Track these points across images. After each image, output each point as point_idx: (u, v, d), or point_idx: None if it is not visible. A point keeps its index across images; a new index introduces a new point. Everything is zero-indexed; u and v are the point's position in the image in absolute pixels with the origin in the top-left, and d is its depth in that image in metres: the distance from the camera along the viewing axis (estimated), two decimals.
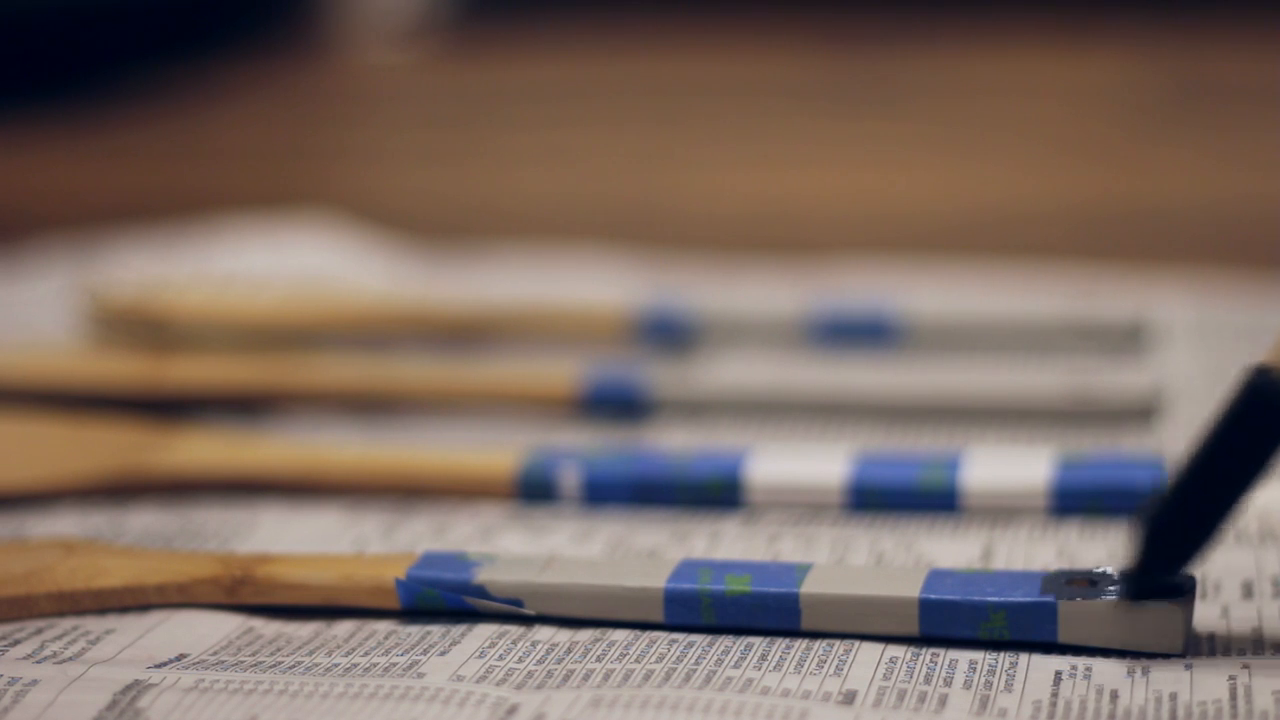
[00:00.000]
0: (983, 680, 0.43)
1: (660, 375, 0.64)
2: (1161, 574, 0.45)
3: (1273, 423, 0.43)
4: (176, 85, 1.33)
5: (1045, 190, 1.00)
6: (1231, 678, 0.42)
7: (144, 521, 0.55)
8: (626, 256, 0.81)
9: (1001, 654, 0.44)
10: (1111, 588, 0.44)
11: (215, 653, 0.45)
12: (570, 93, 1.31)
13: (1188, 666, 0.43)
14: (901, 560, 0.50)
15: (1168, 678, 0.43)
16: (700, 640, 0.45)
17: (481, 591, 0.47)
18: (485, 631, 0.46)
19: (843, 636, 0.45)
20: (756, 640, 0.45)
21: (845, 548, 0.51)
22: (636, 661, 0.44)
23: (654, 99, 1.29)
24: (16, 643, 0.46)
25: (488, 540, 0.52)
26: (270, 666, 0.44)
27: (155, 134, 1.21)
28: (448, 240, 0.85)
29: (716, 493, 0.54)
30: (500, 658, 0.45)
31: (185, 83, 1.34)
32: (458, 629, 0.46)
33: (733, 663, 0.44)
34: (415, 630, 0.46)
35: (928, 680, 0.43)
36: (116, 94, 1.28)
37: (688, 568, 0.47)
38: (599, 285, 0.76)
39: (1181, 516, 0.44)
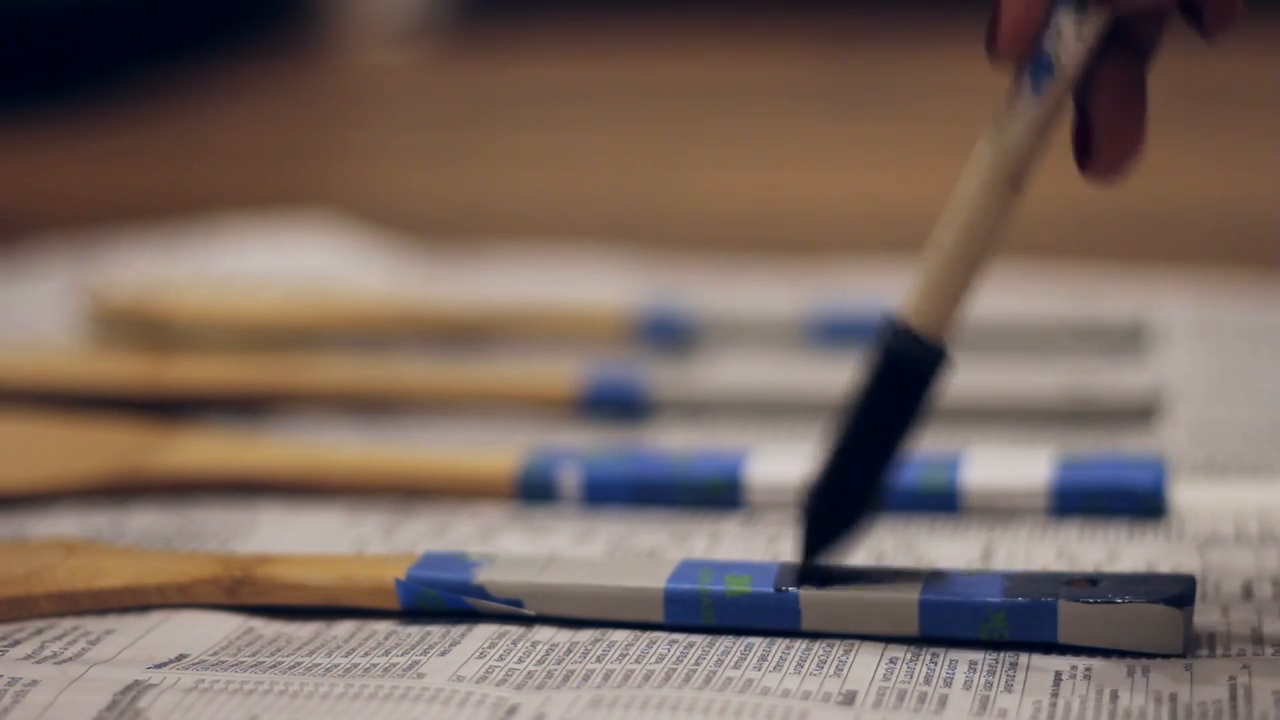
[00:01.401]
0: (983, 680, 0.43)
1: (660, 375, 0.64)
2: (826, 552, 0.45)
3: (914, 381, 0.44)
4: (176, 85, 1.33)
5: (1045, 190, 0.99)
6: (1231, 678, 0.42)
7: (144, 522, 0.55)
8: (626, 256, 0.81)
9: (1001, 654, 0.44)
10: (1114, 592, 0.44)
11: (215, 653, 0.45)
12: (570, 93, 1.31)
13: (1188, 666, 0.43)
14: (901, 560, 0.50)
15: (1168, 678, 0.43)
16: (700, 640, 0.45)
17: (481, 592, 0.47)
18: (485, 632, 0.46)
19: (843, 637, 0.45)
20: (756, 640, 0.45)
21: (856, 545, 0.51)
22: (636, 662, 0.44)
23: (654, 99, 1.29)
24: (16, 643, 0.46)
25: (488, 540, 0.52)
26: (270, 667, 0.44)
27: (155, 134, 1.21)
28: (448, 240, 0.85)
29: (716, 493, 0.54)
30: (500, 658, 0.45)
31: (185, 83, 1.34)
32: (458, 629, 0.46)
33: (733, 663, 0.44)
34: (415, 630, 0.46)
35: (928, 680, 0.43)
36: (116, 94, 1.28)
37: (688, 568, 0.47)
38: (599, 285, 0.76)
39: (839, 492, 0.44)
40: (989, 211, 0.43)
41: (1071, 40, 0.42)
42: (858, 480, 0.44)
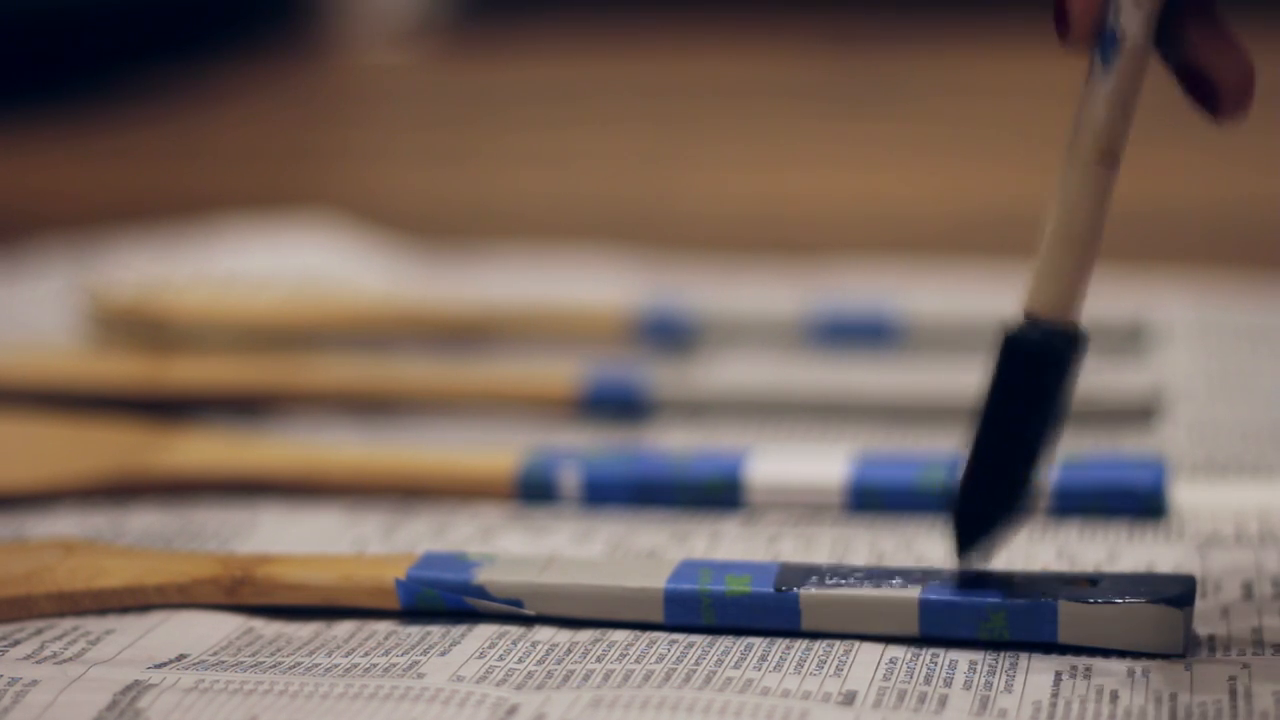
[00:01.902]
0: (983, 680, 0.43)
1: (660, 375, 0.64)
2: (980, 540, 0.45)
3: (1051, 367, 0.43)
4: (176, 85, 1.33)
5: (1045, 190, 0.99)
6: (1231, 678, 0.42)
7: (144, 522, 0.55)
8: (626, 256, 0.81)
9: (1001, 654, 0.44)
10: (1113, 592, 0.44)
11: (215, 653, 0.45)
12: (570, 93, 1.31)
13: (1188, 666, 0.43)
14: (901, 560, 0.50)
15: (1168, 678, 0.43)
16: (700, 640, 0.45)
17: (481, 592, 0.47)
18: (485, 632, 0.46)
19: (843, 637, 0.45)
20: (756, 640, 0.45)
21: (845, 548, 0.51)
22: (636, 662, 0.44)
23: (654, 99, 1.29)
24: (16, 643, 0.46)
25: (488, 540, 0.52)
26: (270, 667, 0.44)
27: (155, 134, 1.21)
28: (448, 240, 0.85)
29: (716, 493, 0.54)
30: (500, 658, 0.45)
31: (185, 83, 1.34)
32: (458, 629, 0.46)
33: (733, 663, 0.44)
34: (415, 630, 0.46)
35: (928, 680, 0.43)
36: (116, 94, 1.28)
37: (688, 568, 0.47)
38: (599, 285, 0.76)
39: (989, 490, 0.44)
40: (1088, 193, 0.43)
41: (1131, 10, 0.42)
42: (1008, 476, 0.44)
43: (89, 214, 0.95)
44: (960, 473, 0.45)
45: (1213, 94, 0.44)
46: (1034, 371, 0.44)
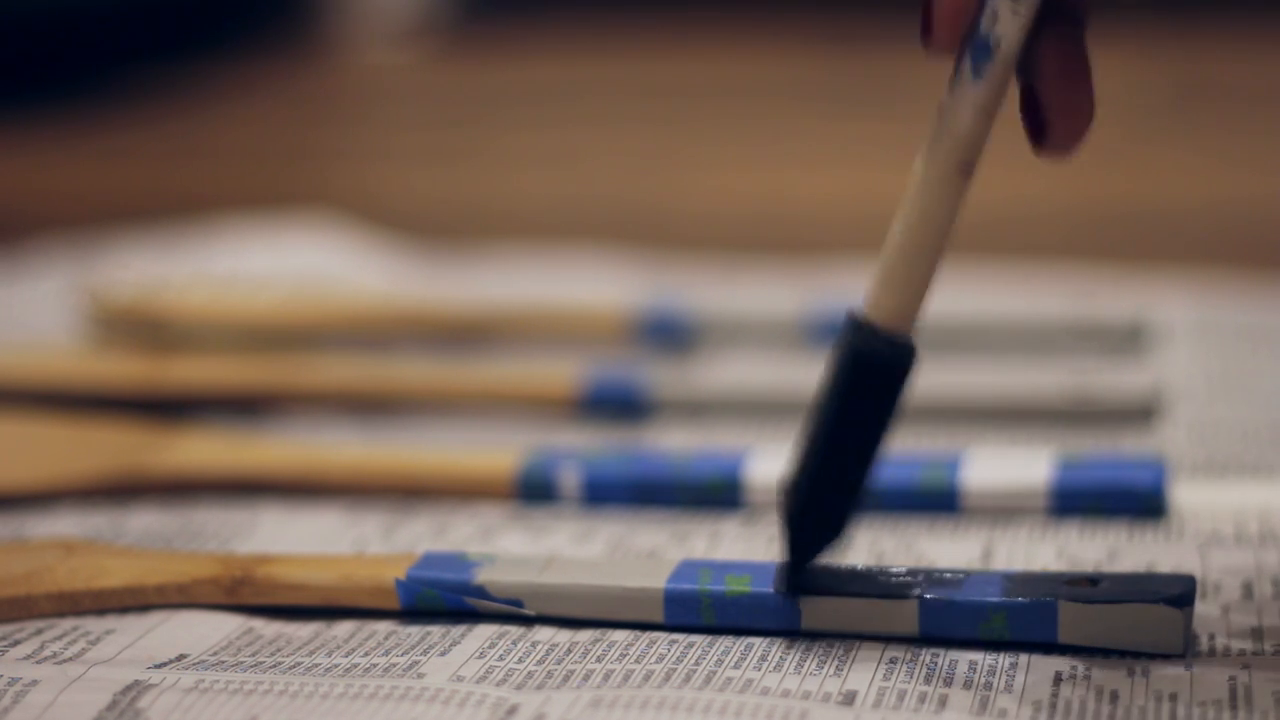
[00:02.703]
0: (983, 680, 0.43)
1: (660, 375, 0.64)
2: (813, 556, 0.45)
3: (883, 379, 0.43)
4: (176, 85, 1.33)
5: (1045, 190, 0.99)
6: (1231, 678, 0.42)
7: (144, 522, 0.55)
8: (626, 256, 0.81)
9: (1001, 654, 0.44)
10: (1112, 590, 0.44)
11: (215, 653, 0.45)
12: (570, 93, 1.31)
13: (1188, 666, 0.43)
14: (901, 560, 0.50)
15: (1168, 678, 0.43)
16: (700, 640, 0.45)
17: (481, 592, 0.47)
18: (485, 632, 0.46)
19: (843, 636, 0.45)
20: (756, 640, 0.45)
21: (845, 548, 0.51)
22: (636, 662, 0.44)
23: (654, 99, 1.29)
24: (16, 643, 0.46)
25: (488, 540, 0.52)
26: (270, 667, 0.44)
27: (155, 134, 1.21)
28: (448, 240, 0.85)
29: (716, 493, 0.54)
30: (500, 658, 0.45)
31: (185, 83, 1.34)
32: (458, 629, 0.46)
33: (733, 663, 0.44)
34: (415, 630, 0.46)
35: (928, 680, 0.43)
36: (116, 94, 1.28)
37: (688, 568, 0.47)
38: (599, 285, 0.76)
39: (819, 497, 0.44)
40: (942, 201, 0.42)
41: (1008, 18, 0.41)
42: (837, 484, 0.44)
43: (89, 214, 0.95)
44: (790, 477, 0.44)
45: (1043, 127, 0.42)
46: (869, 381, 0.43)
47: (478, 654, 0.45)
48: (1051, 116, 0.42)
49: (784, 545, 0.45)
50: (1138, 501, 0.52)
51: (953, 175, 0.42)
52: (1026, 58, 0.42)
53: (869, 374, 0.43)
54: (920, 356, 0.43)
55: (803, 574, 0.45)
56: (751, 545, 0.51)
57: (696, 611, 0.46)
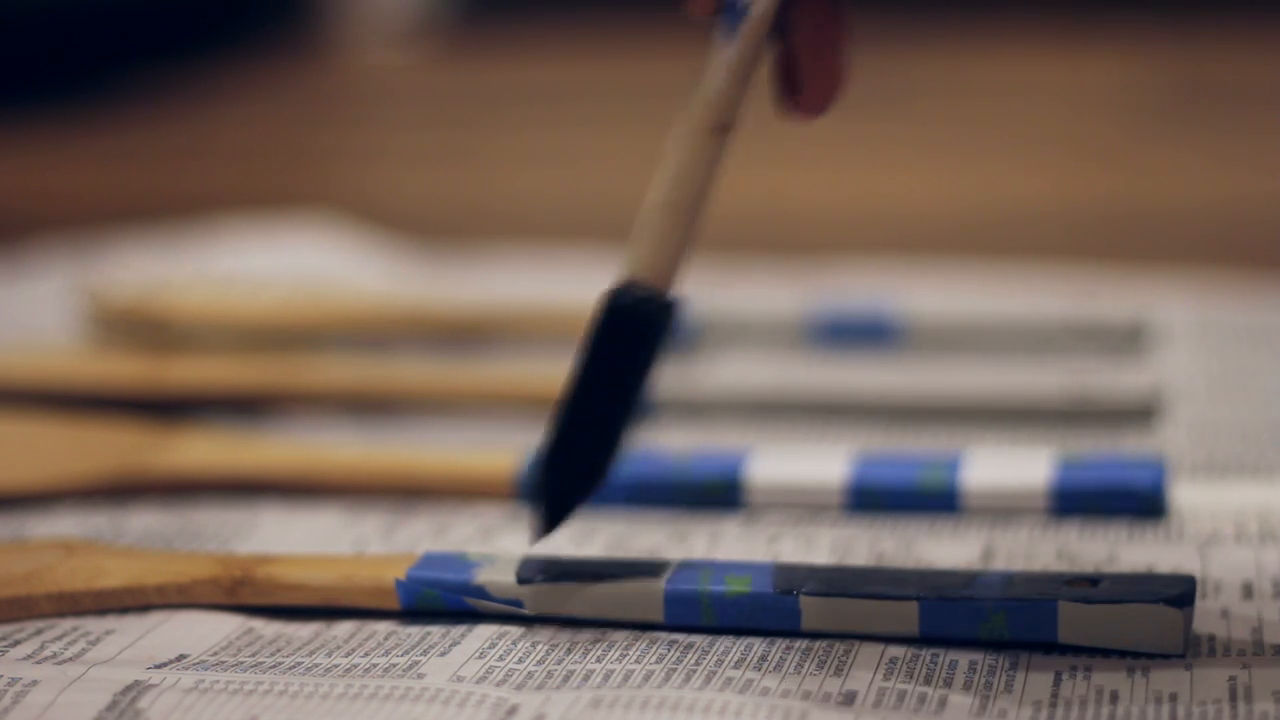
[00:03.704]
0: (983, 680, 0.43)
1: (660, 375, 0.64)
2: (564, 512, 0.45)
3: (642, 332, 0.44)
4: (177, 86, 1.33)
5: (1045, 190, 0.99)
6: (1231, 678, 0.42)
7: (144, 522, 0.55)
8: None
9: (1001, 654, 0.44)
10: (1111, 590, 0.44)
11: (215, 653, 0.45)
12: (570, 93, 1.31)
13: (1188, 667, 0.43)
14: (901, 560, 0.50)
15: (1168, 678, 0.43)
16: (700, 640, 0.45)
17: (481, 592, 0.47)
18: (485, 632, 0.46)
19: (843, 636, 0.45)
20: (756, 640, 0.45)
21: (845, 548, 0.51)
22: (636, 662, 0.44)
23: (654, 99, 1.29)
24: (16, 643, 0.46)
25: (488, 540, 0.52)
26: (270, 667, 0.44)
27: (155, 134, 1.21)
28: (448, 240, 0.85)
29: (716, 493, 0.54)
30: (500, 658, 0.45)
31: (185, 83, 1.34)
32: (458, 629, 0.46)
33: (733, 663, 0.44)
34: (415, 631, 0.46)
35: (928, 681, 0.43)
36: (116, 94, 1.28)
37: (688, 568, 0.47)
38: (598, 285, 0.76)
39: (572, 452, 0.44)
40: (700, 161, 0.43)
41: None
42: (593, 435, 0.44)
43: (89, 214, 0.95)
44: (549, 429, 0.45)
45: (796, 87, 0.43)
46: (626, 335, 0.44)
47: (478, 654, 0.45)
48: (803, 76, 0.43)
49: (540, 497, 0.45)
50: (1138, 501, 0.52)
51: (707, 135, 0.43)
52: (782, 23, 0.43)
53: (622, 325, 0.44)
54: (678, 310, 0.44)
55: (557, 526, 0.45)
56: (751, 545, 0.51)
57: (696, 611, 0.46)
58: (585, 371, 0.44)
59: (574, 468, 0.45)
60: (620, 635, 0.46)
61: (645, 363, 0.44)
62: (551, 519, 0.45)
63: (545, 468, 0.45)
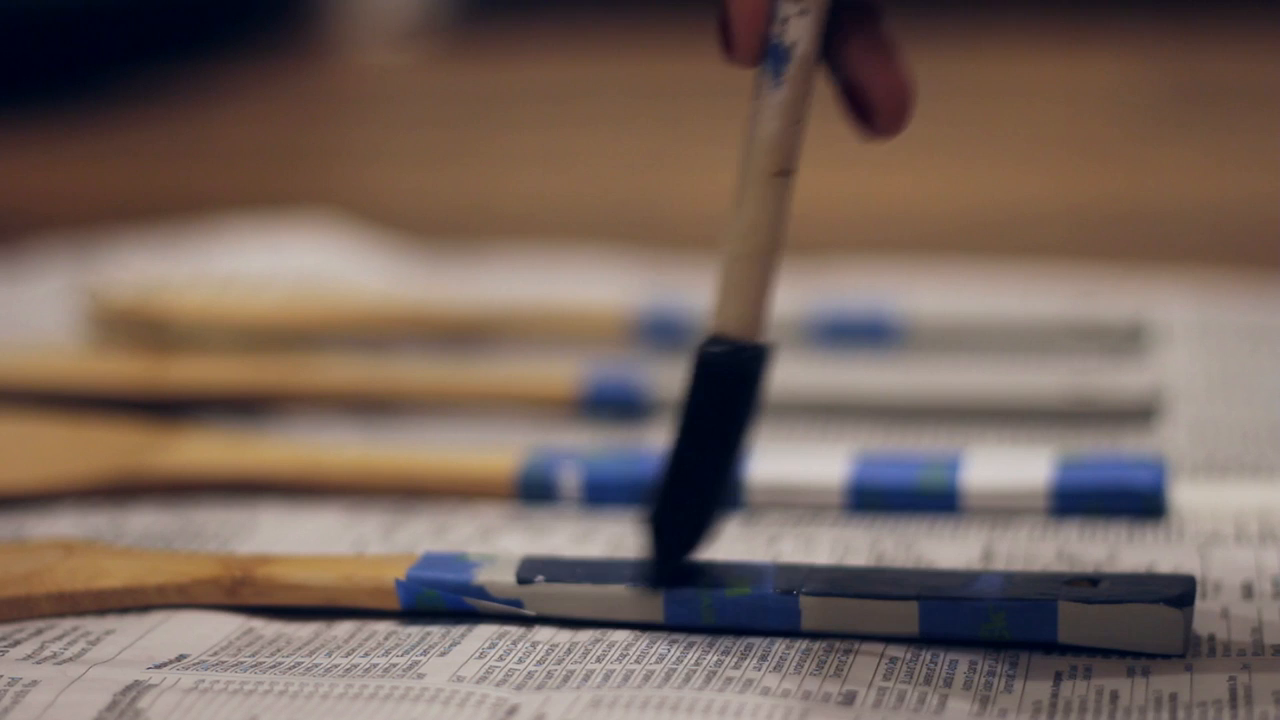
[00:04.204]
0: (983, 680, 0.43)
1: (660, 375, 0.64)
2: (679, 557, 0.46)
3: (738, 384, 0.44)
4: (177, 85, 1.33)
5: (1045, 190, 0.99)
6: (1231, 678, 0.42)
7: (144, 522, 0.55)
8: (626, 256, 0.81)
9: (1001, 654, 0.44)
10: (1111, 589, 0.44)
11: (215, 653, 0.45)
12: (570, 93, 1.31)
13: (1188, 667, 0.43)
14: (901, 560, 0.50)
15: (1168, 678, 0.43)
16: (700, 640, 0.45)
17: (482, 592, 0.47)
18: (485, 632, 0.46)
19: (843, 636, 0.45)
20: (756, 640, 0.45)
21: (845, 548, 0.51)
22: (636, 662, 0.44)
23: (654, 99, 1.29)
24: (16, 643, 0.46)
25: (488, 541, 0.52)
26: (270, 667, 0.44)
27: (155, 134, 1.21)
28: (448, 240, 0.85)
29: None
30: (500, 658, 0.45)
31: (185, 83, 1.34)
32: (458, 630, 0.46)
33: (733, 663, 0.44)
34: (415, 631, 0.46)
35: (928, 681, 0.43)
36: (117, 94, 1.28)
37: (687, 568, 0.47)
38: (599, 285, 0.76)
39: (682, 499, 0.45)
40: (765, 208, 0.43)
41: (798, 21, 0.42)
42: (698, 488, 0.45)
43: (89, 214, 0.95)
44: (659, 483, 0.45)
45: (869, 112, 0.44)
46: (725, 390, 0.44)
47: (478, 654, 0.45)
48: (872, 104, 0.44)
49: (650, 547, 0.46)
50: (1138, 501, 0.52)
51: (770, 181, 0.43)
52: (833, 55, 0.44)
53: (717, 381, 0.44)
54: (772, 356, 0.45)
55: (670, 572, 0.46)
56: (751, 545, 0.51)
57: (696, 611, 0.46)
58: (687, 425, 0.45)
59: (683, 518, 0.45)
60: (620, 635, 0.46)
61: (744, 411, 0.45)
62: (665, 566, 0.46)
63: (656, 521, 0.46)
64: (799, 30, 0.42)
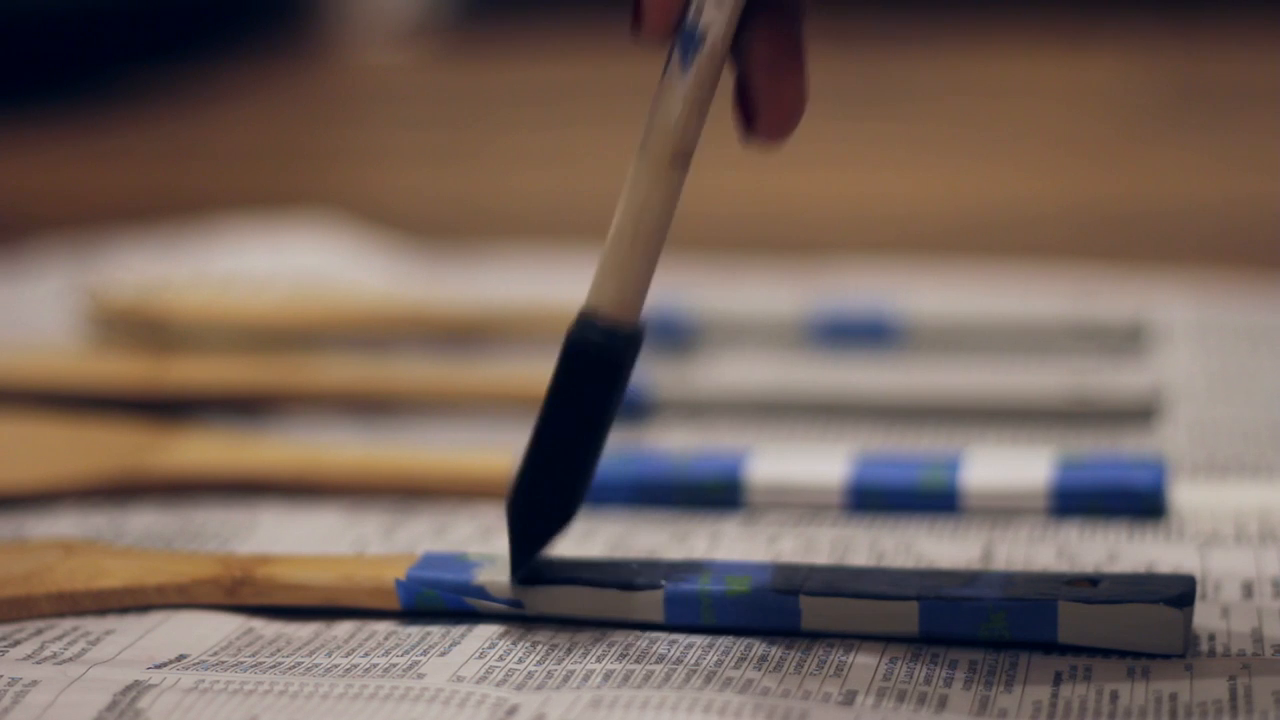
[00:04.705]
0: (983, 680, 0.43)
1: (660, 375, 0.64)
2: (537, 544, 0.45)
3: (605, 367, 0.43)
4: (177, 85, 1.33)
5: (1045, 190, 0.99)
6: (1231, 678, 0.42)
7: (144, 522, 0.55)
8: None
9: (1001, 654, 0.44)
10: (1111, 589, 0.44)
11: (215, 653, 0.45)
12: (570, 93, 1.31)
13: (1188, 667, 0.43)
14: (901, 560, 0.50)
15: (1168, 678, 0.43)
16: (700, 640, 0.45)
17: (482, 592, 0.47)
18: (485, 632, 0.46)
19: (843, 636, 0.45)
20: (756, 640, 0.45)
21: (845, 548, 0.51)
22: (636, 662, 0.44)
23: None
24: (16, 643, 0.46)
25: (488, 540, 0.52)
26: (270, 667, 0.44)
27: (155, 134, 1.21)
28: (448, 240, 0.85)
29: (716, 493, 0.54)
30: (500, 658, 0.45)
31: (185, 83, 1.34)
32: (458, 629, 0.46)
33: (733, 663, 0.44)
34: (415, 631, 0.46)
35: (928, 680, 0.43)
36: (116, 94, 1.28)
37: (688, 568, 0.47)
38: None
39: (541, 489, 0.45)
40: (657, 193, 0.43)
41: (714, 8, 0.41)
42: (559, 472, 0.45)
43: (89, 214, 0.95)
44: (518, 467, 0.45)
45: (752, 116, 0.43)
46: (592, 370, 0.43)
47: (478, 654, 0.45)
48: (760, 106, 0.42)
49: (512, 532, 0.45)
50: (1138, 501, 0.52)
51: (665, 167, 0.43)
52: (738, 47, 0.42)
53: (585, 361, 0.43)
54: (642, 343, 0.44)
55: (529, 564, 0.45)
56: (751, 545, 0.51)
57: (696, 611, 0.46)
58: (552, 407, 0.44)
59: (544, 503, 0.45)
60: (620, 635, 0.46)
61: (612, 396, 0.44)
62: (522, 554, 0.46)
63: (515, 505, 0.45)
64: (714, 16, 0.41)
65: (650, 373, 0.64)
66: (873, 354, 0.68)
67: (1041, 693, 0.42)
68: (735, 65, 0.43)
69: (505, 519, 0.45)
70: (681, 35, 0.42)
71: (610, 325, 0.43)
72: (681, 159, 0.43)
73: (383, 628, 0.47)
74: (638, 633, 0.46)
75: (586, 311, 0.43)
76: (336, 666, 0.44)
